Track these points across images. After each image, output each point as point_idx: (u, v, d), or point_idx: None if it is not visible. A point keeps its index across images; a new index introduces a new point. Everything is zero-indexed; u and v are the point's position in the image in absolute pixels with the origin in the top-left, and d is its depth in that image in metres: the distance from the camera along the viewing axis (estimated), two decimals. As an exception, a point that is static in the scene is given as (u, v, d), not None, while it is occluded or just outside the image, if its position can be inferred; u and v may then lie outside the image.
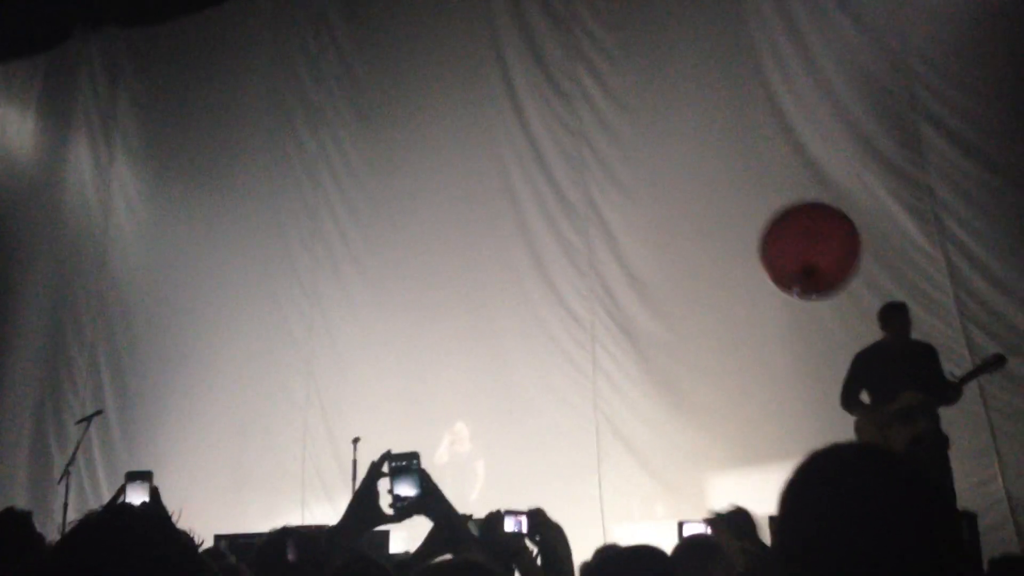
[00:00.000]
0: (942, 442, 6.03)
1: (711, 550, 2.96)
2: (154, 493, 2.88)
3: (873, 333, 6.79)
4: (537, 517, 2.40)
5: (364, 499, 2.15)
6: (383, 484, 2.23)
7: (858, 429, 6.22)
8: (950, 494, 5.90)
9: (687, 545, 3.09)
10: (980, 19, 7.72)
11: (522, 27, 9.65)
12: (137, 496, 2.86)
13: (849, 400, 6.31)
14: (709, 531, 3.70)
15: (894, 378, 6.09)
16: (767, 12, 8.55)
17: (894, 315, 6.29)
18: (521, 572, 2.15)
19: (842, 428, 7.17)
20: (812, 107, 8.26)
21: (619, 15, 9.28)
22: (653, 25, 9.11)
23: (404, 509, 2.16)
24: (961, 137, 7.68)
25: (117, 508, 1.11)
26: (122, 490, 2.94)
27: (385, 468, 2.24)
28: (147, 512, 1.16)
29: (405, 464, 2.17)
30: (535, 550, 2.40)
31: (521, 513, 2.41)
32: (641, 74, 9.10)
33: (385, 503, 2.25)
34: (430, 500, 2.17)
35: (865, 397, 6.33)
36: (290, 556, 2.56)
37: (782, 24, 8.48)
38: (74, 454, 8.28)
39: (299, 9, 10.94)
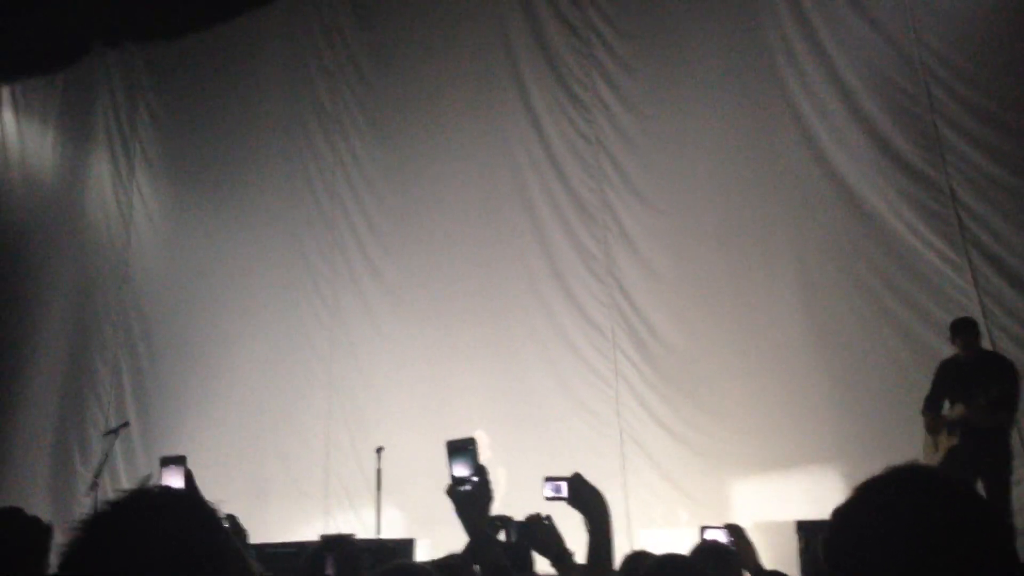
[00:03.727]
0: (990, 460, 6.03)
1: (724, 555, 3.02)
2: (188, 476, 2.89)
3: (894, 337, 6.73)
4: (576, 481, 2.45)
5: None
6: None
7: (925, 434, 6.44)
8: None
9: (703, 549, 3.16)
10: (997, 19, 7.66)
11: (536, 36, 9.67)
12: (172, 481, 2.88)
13: (926, 404, 6.48)
14: (727, 538, 3.73)
15: (962, 389, 6.23)
16: (782, 16, 8.51)
17: (958, 331, 6.38)
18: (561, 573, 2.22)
19: (865, 434, 7.13)
20: (829, 111, 8.21)
21: (634, 22, 9.28)
22: (668, 32, 9.10)
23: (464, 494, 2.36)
24: (981, 139, 7.60)
25: (141, 489, 1.11)
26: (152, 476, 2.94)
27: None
28: (171, 490, 1.16)
29: (461, 447, 2.40)
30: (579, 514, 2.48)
31: (562, 479, 2.47)
32: (657, 81, 9.08)
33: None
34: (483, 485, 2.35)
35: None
36: (329, 571, 2.57)
37: (797, 28, 8.43)
38: (101, 465, 8.31)
39: (313, 21, 11.02)
